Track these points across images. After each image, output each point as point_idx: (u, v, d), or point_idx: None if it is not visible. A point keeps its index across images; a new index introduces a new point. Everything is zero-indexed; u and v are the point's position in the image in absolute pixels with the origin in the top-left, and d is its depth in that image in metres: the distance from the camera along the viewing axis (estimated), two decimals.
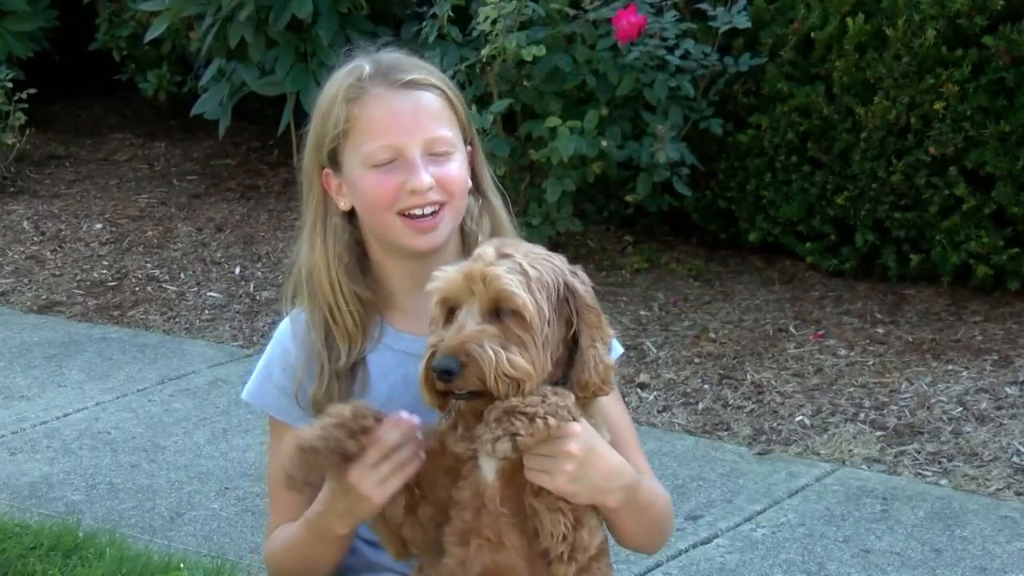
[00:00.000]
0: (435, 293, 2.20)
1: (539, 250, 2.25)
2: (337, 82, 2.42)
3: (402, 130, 2.35)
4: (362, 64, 2.40)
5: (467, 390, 2.15)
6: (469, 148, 2.46)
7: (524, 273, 2.17)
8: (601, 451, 2.24)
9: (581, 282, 2.25)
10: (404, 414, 2.23)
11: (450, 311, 2.20)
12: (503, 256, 2.19)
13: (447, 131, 2.39)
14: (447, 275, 2.20)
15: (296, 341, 2.46)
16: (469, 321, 2.15)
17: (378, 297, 2.45)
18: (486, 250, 2.21)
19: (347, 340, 2.42)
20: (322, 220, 2.44)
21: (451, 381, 2.14)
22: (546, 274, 2.20)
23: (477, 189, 2.49)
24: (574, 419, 2.17)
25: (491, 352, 2.12)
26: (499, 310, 2.16)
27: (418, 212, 2.36)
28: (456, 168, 2.39)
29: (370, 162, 2.36)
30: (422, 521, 2.28)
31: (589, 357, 2.21)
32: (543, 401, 2.14)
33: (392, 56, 2.44)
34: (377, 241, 2.44)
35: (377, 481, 2.21)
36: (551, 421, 2.13)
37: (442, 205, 2.38)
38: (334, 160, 2.41)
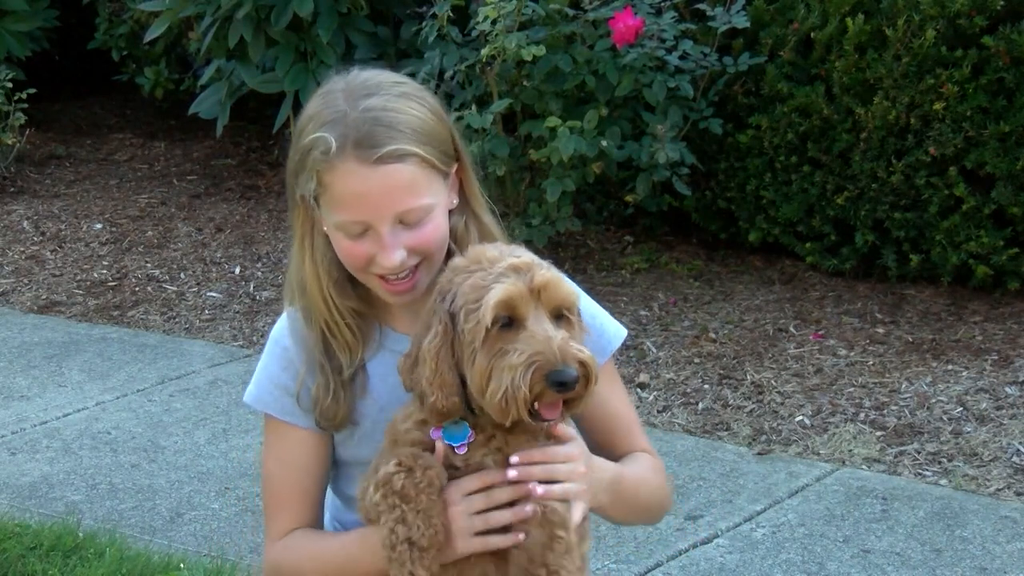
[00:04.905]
0: (494, 307, 2.12)
1: None
2: (308, 136, 2.29)
3: (372, 208, 2.26)
4: (329, 137, 2.25)
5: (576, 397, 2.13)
6: (456, 165, 2.37)
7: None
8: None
9: None
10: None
11: (502, 322, 2.13)
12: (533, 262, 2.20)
13: (423, 199, 2.29)
14: (507, 287, 2.12)
15: (295, 339, 2.43)
16: (548, 328, 2.12)
17: (374, 307, 2.43)
18: (524, 258, 2.18)
19: (347, 351, 2.39)
20: (309, 234, 2.40)
21: (574, 390, 2.10)
22: None
23: (466, 206, 2.42)
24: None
25: (589, 353, 2.13)
26: (558, 315, 2.15)
27: (392, 277, 2.32)
28: (431, 229, 2.31)
29: (342, 231, 2.31)
30: None
31: None
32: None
33: (368, 114, 2.26)
34: None
35: (468, 530, 2.20)
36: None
37: (418, 266, 2.33)
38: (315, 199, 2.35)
